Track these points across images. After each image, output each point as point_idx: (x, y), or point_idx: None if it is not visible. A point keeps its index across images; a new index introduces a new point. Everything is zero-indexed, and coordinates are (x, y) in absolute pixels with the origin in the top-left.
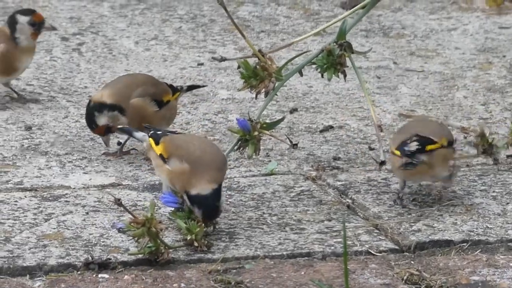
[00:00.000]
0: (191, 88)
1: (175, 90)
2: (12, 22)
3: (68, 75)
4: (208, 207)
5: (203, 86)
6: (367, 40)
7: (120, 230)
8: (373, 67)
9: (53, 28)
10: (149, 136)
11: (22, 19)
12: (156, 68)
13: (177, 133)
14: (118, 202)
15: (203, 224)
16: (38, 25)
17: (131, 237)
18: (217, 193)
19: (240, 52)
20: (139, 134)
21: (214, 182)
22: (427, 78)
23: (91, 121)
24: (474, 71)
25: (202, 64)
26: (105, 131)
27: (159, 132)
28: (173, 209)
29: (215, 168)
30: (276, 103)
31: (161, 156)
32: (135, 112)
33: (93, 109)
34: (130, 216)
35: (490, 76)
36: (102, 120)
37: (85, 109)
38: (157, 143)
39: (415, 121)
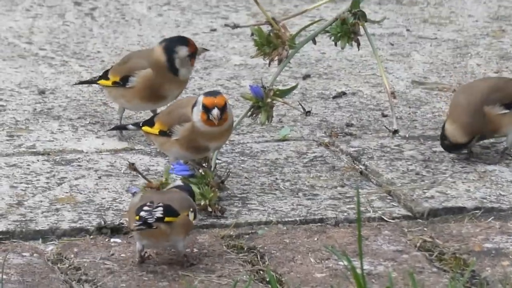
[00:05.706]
0: None
1: None
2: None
3: (81, 40)
4: None
5: None
6: (380, 7)
7: (134, 195)
8: (387, 34)
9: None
10: (142, 126)
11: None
12: (168, 33)
13: None
14: (132, 166)
15: (216, 189)
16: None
17: None
18: None
19: (253, 18)
20: (132, 127)
21: None
22: (440, 46)
23: None
24: (487, 38)
25: (215, 30)
26: None
27: (149, 117)
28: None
29: None
30: (289, 69)
31: (161, 132)
32: None
33: None
34: (144, 180)
35: (503, 44)
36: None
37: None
38: (152, 125)
39: None
